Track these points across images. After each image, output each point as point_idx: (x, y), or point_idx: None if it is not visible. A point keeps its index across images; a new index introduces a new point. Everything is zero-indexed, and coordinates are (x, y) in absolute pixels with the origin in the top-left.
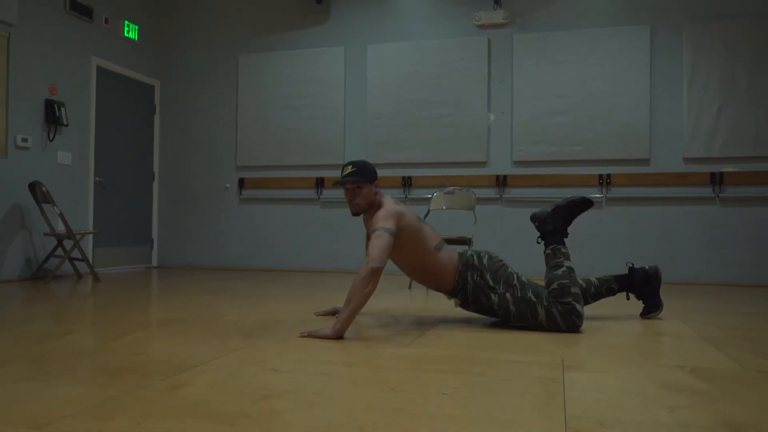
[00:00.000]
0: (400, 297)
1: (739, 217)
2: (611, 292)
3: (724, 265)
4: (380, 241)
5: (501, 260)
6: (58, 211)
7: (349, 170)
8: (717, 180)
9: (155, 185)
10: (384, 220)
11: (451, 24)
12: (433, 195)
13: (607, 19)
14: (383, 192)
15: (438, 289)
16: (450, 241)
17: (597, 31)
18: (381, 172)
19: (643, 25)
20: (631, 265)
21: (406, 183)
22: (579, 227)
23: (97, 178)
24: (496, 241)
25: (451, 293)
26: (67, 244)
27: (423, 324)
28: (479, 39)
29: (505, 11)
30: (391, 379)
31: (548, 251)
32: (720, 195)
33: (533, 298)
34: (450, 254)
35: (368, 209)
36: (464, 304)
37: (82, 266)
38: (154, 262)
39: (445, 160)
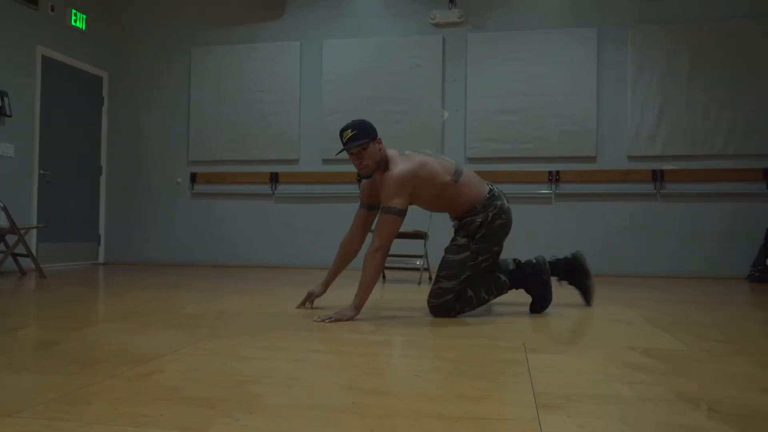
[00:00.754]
0: (354, 290)
1: (678, 213)
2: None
3: (663, 258)
4: (390, 226)
5: (501, 242)
6: (1, 205)
7: (350, 134)
8: (658, 177)
9: (103, 179)
10: (395, 192)
11: (407, 22)
12: None
13: (557, 21)
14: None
15: (451, 215)
16: (406, 236)
17: (548, 32)
18: (335, 168)
19: (590, 28)
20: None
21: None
22: (530, 223)
23: (42, 171)
24: (449, 235)
25: (457, 217)
26: (10, 239)
27: (382, 314)
28: (434, 37)
29: (460, 10)
30: (362, 363)
31: (505, 280)
32: (661, 191)
33: (466, 277)
34: (474, 184)
35: (377, 168)
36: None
37: (25, 262)
38: (101, 259)
39: None
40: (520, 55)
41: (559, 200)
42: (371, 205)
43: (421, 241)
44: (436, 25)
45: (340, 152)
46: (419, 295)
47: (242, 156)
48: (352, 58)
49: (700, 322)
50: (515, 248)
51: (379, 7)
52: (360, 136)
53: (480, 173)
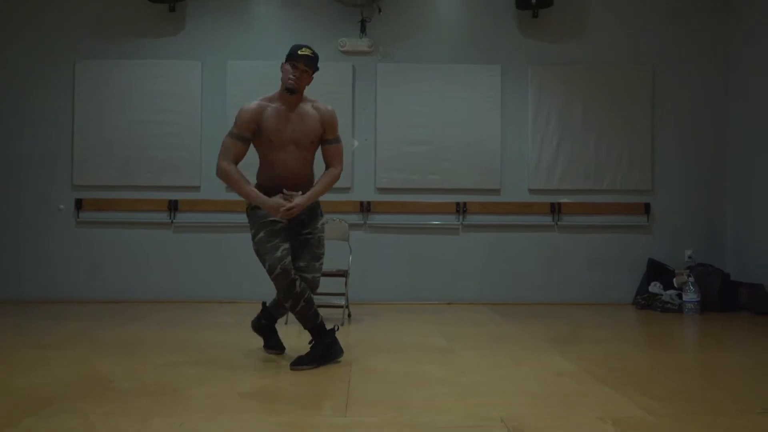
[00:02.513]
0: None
1: (574, 243)
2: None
3: (561, 285)
4: (342, 153)
5: None
6: None
7: (309, 53)
8: (556, 209)
9: None
10: (336, 128)
11: (316, 47)
12: None
13: (463, 56)
14: None
15: (295, 181)
16: (329, 275)
17: (455, 66)
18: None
19: (495, 65)
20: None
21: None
22: (437, 252)
23: None
24: (361, 266)
25: (299, 186)
26: None
27: (329, 374)
28: (344, 65)
29: (370, 40)
30: None
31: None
32: (558, 223)
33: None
34: None
35: (300, 91)
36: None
37: None
38: None
39: None
40: (428, 87)
41: (466, 231)
42: (247, 139)
43: (342, 280)
44: (345, 52)
45: (293, 56)
46: (351, 347)
47: (136, 181)
48: (259, 80)
49: (634, 372)
50: (425, 278)
51: (286, 30)
52: (315, 62)
53: (390, 204)
